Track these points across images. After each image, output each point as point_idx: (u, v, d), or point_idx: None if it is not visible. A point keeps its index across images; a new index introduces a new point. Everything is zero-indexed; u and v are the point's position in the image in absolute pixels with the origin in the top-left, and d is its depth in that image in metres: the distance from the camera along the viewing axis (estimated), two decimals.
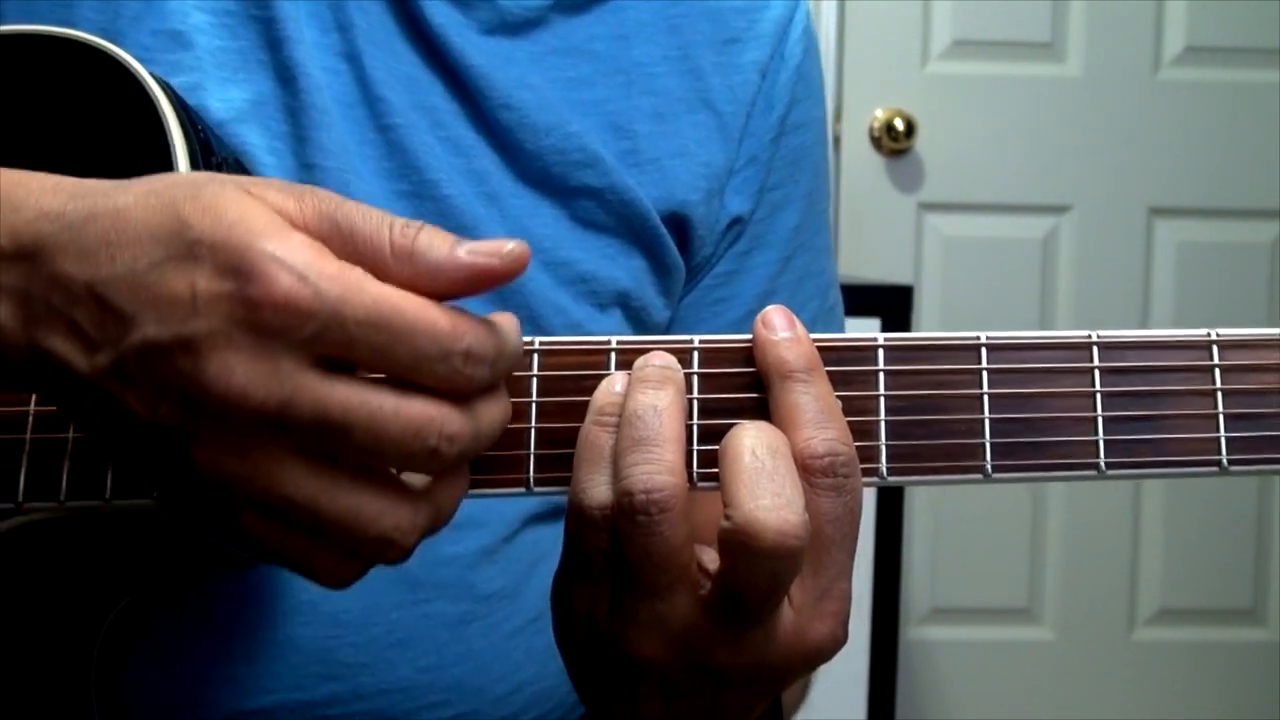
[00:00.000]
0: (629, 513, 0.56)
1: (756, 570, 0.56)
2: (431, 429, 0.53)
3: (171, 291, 0.51)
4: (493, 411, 0.55)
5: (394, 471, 0.55)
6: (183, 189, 0.53)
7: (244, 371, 0.51)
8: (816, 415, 0.59)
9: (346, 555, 0.55)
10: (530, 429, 0.61)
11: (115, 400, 0.53)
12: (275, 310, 0.51)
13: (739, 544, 0.55)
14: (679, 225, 0.83)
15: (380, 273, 0.53)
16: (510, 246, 0.53)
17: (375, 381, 0.53)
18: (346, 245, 0.53)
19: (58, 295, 0.53)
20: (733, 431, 0.58)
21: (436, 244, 0.53)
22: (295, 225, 0.53)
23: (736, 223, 0.85)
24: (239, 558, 0.66)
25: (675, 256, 0.83)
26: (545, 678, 0.80)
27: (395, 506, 0.54)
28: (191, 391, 0.51)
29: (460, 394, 0.53)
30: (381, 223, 0.54)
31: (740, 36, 0.85)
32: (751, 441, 0.57)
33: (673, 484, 0.57)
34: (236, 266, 0.51)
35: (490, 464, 0.60)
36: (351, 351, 0.52)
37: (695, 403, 0.61)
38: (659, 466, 0.57)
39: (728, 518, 0.56)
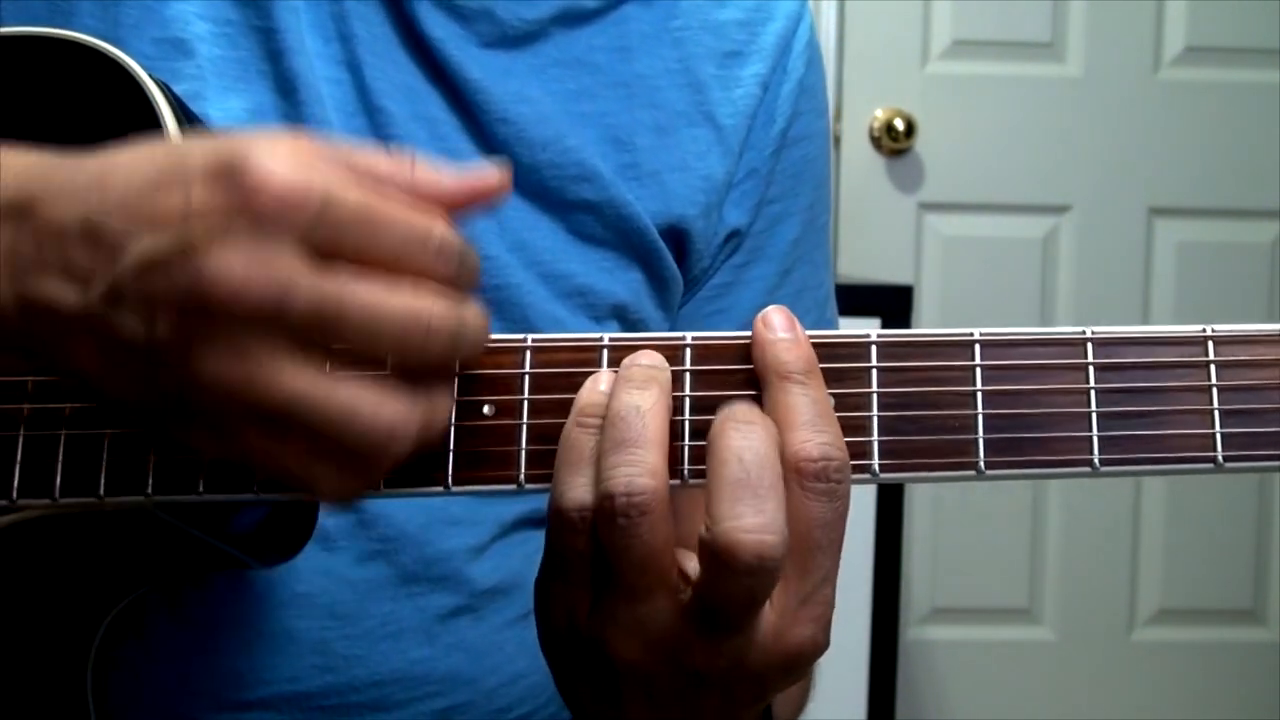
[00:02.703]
0: (609, 515, 0.56)
1: (733, 585, 0.56)
2: (423, 312, 0.55)
3: (166, 205, 0.53)
4: (473, 313, 0.57)
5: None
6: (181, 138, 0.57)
7: (242, 265, 0.52)
8: (813, 418, 0.59)
9: (346, 462, 0.55)
10: (521, 425, 0.61)
11: (108, 333, 0.53)
12: (271, 199, 0.52)
13: (716, 558, 0.55)
14: (677, 238, 0.83)
15: (378, 184, 0.56)
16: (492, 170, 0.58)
17: (365, 272, 0.54)
18: (345, 163, 0.55)
19: (49, 244, 0.54)
20: (722, 429, 0.58)
21: (432, 168, 0.57)
22: None
23: (734, 235, 0.85)
24: (236, 559, 0.66)
25: (673, 270, 0.83)
26: (539, 671, 0.79)
27: (391, 398, 0.55)
28: (190, 295, 0.52)
29: (439, 282, 0.56)
30: (378, 152, 0.57)
31: (742, 50, 0.85)
32: (738, 446, 0.57)
33: (653, 486, 0.56)
34: (230, 166, 0.53)
35: (481, 460, 0.60)
36: (341, 243, 0.53)
37: (687, 399, 0.61)
38: (640, 469, 0.56)
39: (707, 528, 0.56)
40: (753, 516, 0.55)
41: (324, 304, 0.53)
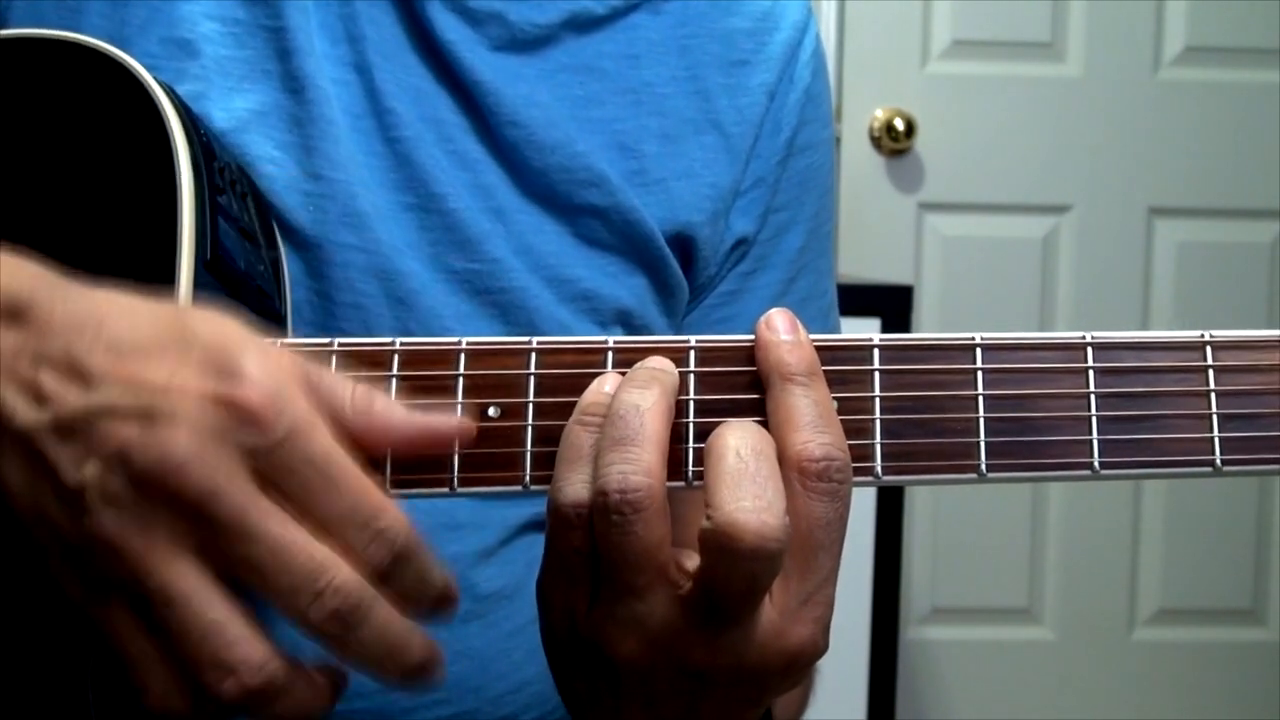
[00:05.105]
0: (604, 512, 0.57)
1: (735, 571, 0.56)
2: (327, 574, 0.54)
3: (150, 371, 0.54)
4: (385, 615, 0.56)
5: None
6: (189, 307, 0.58)
7: (189, 451, 0.53)
8: (815, 419, 0.59)
9: (183, 679, 0.55)
10: (527, 426, 0.61)
11: (41, 458, 0.54)
12: (243, 413, 0.53)
13: (718, 545, 0.56)
14: (683, 245, 0.83)
15: (337, 418, 0.56)
16: (458, 421, 0.59)
17: (294, 516, 0.55)
18: (312, 390, 0.56)
19: (27, 358, 0.55)
20: (718, 431, 0.59)
21: (394, 405, 0.58)
22: None
23: (741, 243, 0.86)
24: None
25: (679, 277, 0.84)
26: (545, 678, 0.79)
27: (254, 643, 0.55)
28: (130, 456, 0.53)
29: (364, 565, 0.55)
30: (346, 381, 0.58)
31: (749, 59, 0.86)
32: (736, 442, 0.58)
33: (648, 484, 0.57)
34: (222, 366, 0.54)
35: (488, 462, 0.61)
36: (288, 480, 0.54)
37: (691, 402, 0.61)
38: (636, 467, 0.57)
39: (709, 518, 0.56)
40: (753, 500, 0.56)
41: (244, 519, 0.53)
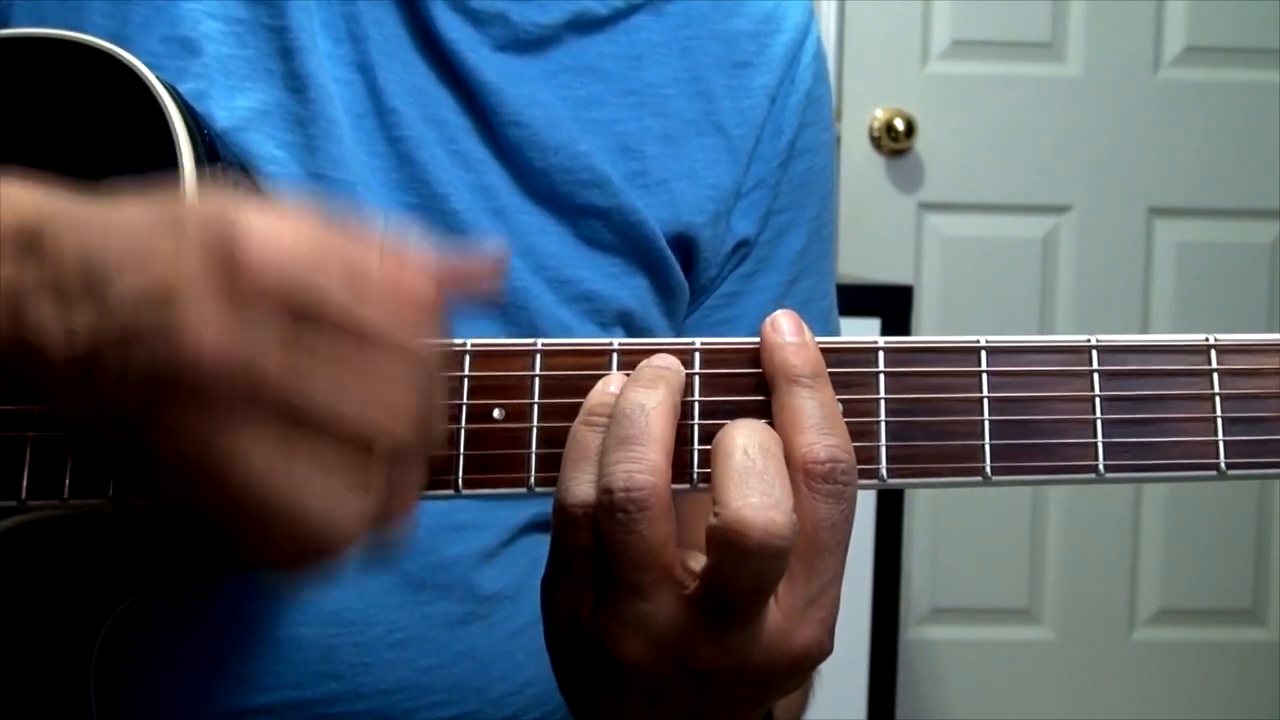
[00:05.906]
0: (609, 510, 0.57)
1: (742, 569, 0.56)
2: (384, 414, 0.53)
3: (158, 245, 0.52)
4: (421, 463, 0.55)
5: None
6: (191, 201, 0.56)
7: (216, 322, 0.51)
8: (820, 421, 0.59)
9: (293, 544, 0.54)
10: (532, 428, 0.61)
11: (87, 388, 0.53)
12: (255, 278, 0.51)
13: (725, 542, 0.56)
14: (685, 247, 0.83)
15: (369, 258, 0.54)
16: (494, 249, 0.57)
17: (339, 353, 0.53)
18: (339, 245, 0.54)
19: (47, 273, 0.54)
20: (725, 429, 0.59)
21: (424, 244, 0.56)
22: None
23: (742, 245, 0.86)
24: (242, 559, 0.66)
25: (680, 278, 0.84)
26: (547, 678, 0.79)
27: (346, 494, 0.53)
28: (163, 351, 0.51)
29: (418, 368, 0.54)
30: (374, 228, 0.56)
31: (751, 61, 0.86)
32: (743, 440, 0.58)
33: (652, 483, 0.57)
34: (222, 235, 0.52)
35: (491, 464, 0.61)
36: (324, 307, 0.52)
37: (696, 404, 0.61)
38: (641, 465, 0.57)
39: (716, 515, 0.56)
40: (760, 497, 0.56)
41: (294, 371, 0.51)
